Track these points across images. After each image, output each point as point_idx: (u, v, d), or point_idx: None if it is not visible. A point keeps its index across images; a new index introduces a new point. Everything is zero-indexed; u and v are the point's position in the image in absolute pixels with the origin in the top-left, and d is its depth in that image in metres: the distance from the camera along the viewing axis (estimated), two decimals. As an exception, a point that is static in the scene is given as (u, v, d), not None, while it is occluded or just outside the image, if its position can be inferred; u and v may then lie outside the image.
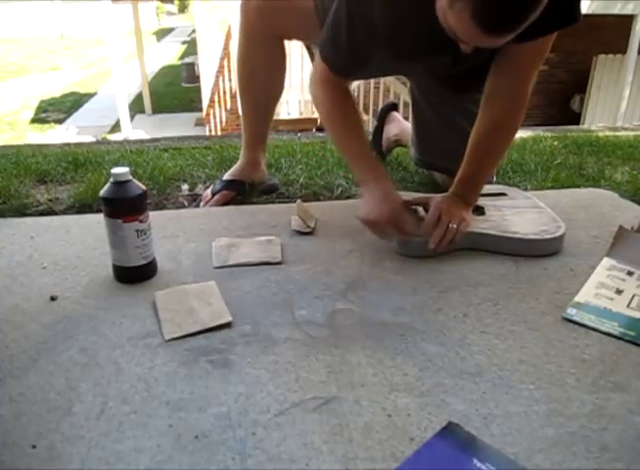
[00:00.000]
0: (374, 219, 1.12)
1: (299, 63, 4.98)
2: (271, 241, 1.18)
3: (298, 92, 5.39)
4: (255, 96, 1.47)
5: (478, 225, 1.17)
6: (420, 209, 1.23)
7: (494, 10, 0.83)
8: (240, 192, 1.49)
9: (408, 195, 1.34)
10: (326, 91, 1.22)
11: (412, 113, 1.59)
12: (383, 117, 1.85)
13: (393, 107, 1.91)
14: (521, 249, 1.14)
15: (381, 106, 4.44)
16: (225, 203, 1.46)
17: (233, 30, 5.64)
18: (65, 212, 1.45)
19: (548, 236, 1.14)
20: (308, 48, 1.51)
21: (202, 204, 1.49)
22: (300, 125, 4.90)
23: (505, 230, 1.15)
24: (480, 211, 1.24)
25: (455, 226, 1.11)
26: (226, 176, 1.51)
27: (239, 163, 1.53)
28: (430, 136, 1.55)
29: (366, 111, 5.32)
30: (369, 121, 5.15)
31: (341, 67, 1.18)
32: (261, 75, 1.43)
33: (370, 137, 1.90)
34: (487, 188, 1.37)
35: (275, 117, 1.63)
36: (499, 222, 1.18)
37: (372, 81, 5.07)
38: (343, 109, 1.22)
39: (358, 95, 5.42)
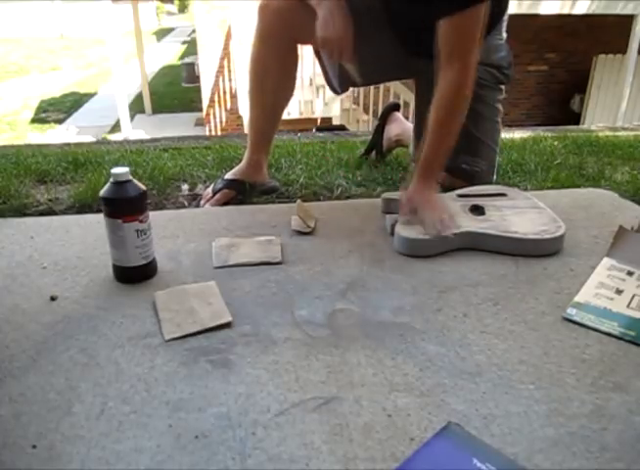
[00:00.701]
0: (330, 34, 1.18)
1: (300, 63, 4.98)
2: (271, 241, 1.18)
3: (299, 92, 5.38)
4: (265, 98, 1.46)
5: (478, 225, 1.17)
6: None
7: None
8: (240, 192, 1.49)
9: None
10: None
11: (414, 110, 1.59)
12: (384, 117, 1.86)
13: (396, 107, 1.91)
14: (521, 249, 1.14)
15: (381, 106, 4.42)
16: (225, 202, 1.46)
17: (233, 30, 5.64)
18: (65, 212, 1.44)
19: (548, 236, 1.14)
20: (317, 53, 1.51)
21: (202, 202, 1.49)
22: (300, 125, 4.89)
23: (505, 230, 1.15)
24: (479, 211, 1.25)
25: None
26: (228, 176, 1.52)
27: (242, 163, 1.53)
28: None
29: (366, 111, 5.32)
30: (369, 121, 5.15)
31: None
32: (273, 78, 1.43)
33: (370, 136, 1.90)
34: (487, 188, 1.37)
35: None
36: (499, 222, 1.18)
37: (372, 81, 5.06)
38: None
39: (358, 95, 5.43)
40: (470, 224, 1.17)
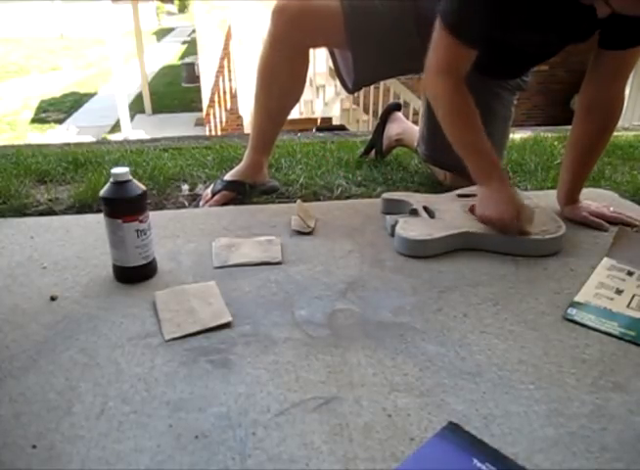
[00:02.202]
0: (500, 218, 1.13)
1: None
2: (271, 241, 1.18)
3: (299, 92, 5.38)
4: (271, 102, 1.45)
5: (478, 225, 1.17)
6: (420, 209, 1.23)
7: None
8: (240, 193, 1.48)
9: (408, 195, 1.34)
10: (444, 84, 1.19)
11: (424, 111, 1.59)
12: (385, 117, 1.85)
13: (397, 107, 1.90)
14: (521, 249, 1.14)
15: (381, 106, 4.41)
16: (225, 203, 1.46)
17: (233, 30, 5.65)
18: (65, 212, 1.44)
19: (548, 236, 1.14)
20: (332, 53, 1.51)
21: (201, 203, 1.49)
22: (300, 125, 4.89)
23: (505, 230, 1.15)
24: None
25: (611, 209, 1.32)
26: (227, 177, 1.51)
27: (242, 164, 1.53)
28: (441, 131, 1.54)
29: (366, 111, 5.32)
30: (369, 121, 5.15)
31: (474, 28, 1.11)
32: (282, 84, 1.42)
33: (370, 136, 1.90)
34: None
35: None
36: (499, 222, 1.18)
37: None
38: (461, 103, 1.19)
39: (358, 95, 5.43)
40: (470, 224, 1.17)
